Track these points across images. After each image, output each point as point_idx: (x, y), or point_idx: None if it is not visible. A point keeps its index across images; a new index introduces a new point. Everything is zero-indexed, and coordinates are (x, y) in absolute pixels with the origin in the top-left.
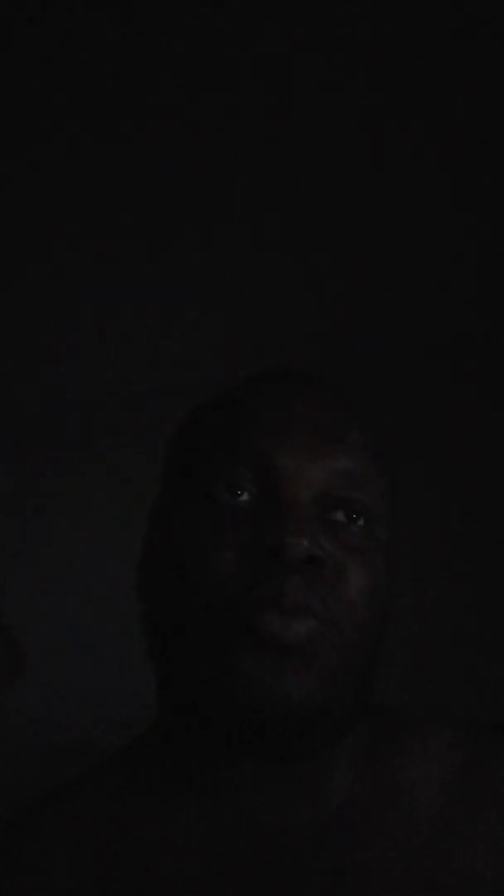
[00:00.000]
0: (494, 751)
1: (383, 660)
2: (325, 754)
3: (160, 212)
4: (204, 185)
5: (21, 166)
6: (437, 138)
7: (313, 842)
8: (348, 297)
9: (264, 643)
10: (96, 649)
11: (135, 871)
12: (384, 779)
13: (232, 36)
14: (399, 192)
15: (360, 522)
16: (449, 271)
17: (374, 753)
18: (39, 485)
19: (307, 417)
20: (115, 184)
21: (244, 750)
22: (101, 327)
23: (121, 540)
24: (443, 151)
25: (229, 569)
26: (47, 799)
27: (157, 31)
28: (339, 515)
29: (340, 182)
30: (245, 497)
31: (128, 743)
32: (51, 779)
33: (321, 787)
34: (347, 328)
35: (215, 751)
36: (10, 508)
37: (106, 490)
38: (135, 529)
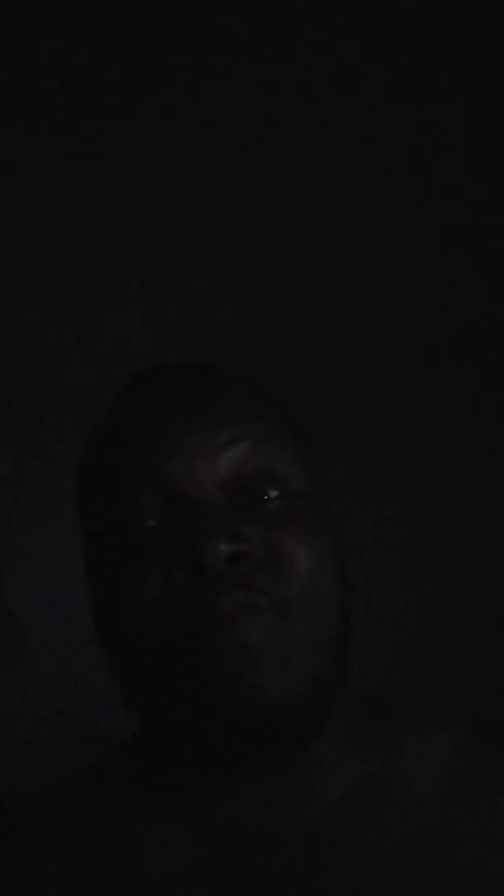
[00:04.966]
0: (495, 747)
1: (389, 659)
2: (310, 750)
3: (159, 202)
4: (203, 179)
5: (16, 158)
6: (438, 132)
7: (306, 842)
8: (346, 297)
9: (222, 664)
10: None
11: (128, 875)
12: (381, 776)
13: (233, 36)
14: (398, 191)
15: (278, 493)
16: (448, 269)
17: (370, 751)
18: (40, 471)
19: (188, 413)
20: (115, 183)
21: (228, 756)
22: (99, 314)
23: None
24: (442, 149)
25: (161, 604)
26: (43, 800)
27: (155, 27)
28: (254, 493)
29: (338, 180)
30: (154, 521)
31: (124, 740)
32: (52, 762)
33: (310, 786)
34: (345, 326)
35: (198, 761)
36: (10, 494)
37: None
38: None
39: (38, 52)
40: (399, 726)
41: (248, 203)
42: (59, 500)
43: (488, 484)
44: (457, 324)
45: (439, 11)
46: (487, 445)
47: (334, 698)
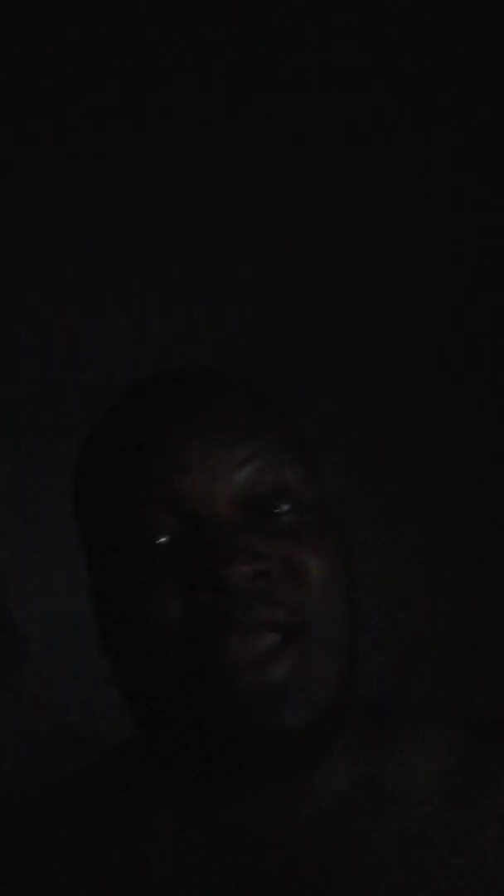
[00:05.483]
0: (494, 748)
1: (389, 659)
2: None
3: (160, 200)
4: (204, 178)
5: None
6: (438, 131)
7: (306, 842)
8: (346, 296)
9: (247, 699)
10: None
11: (127, 875)
12: (381, 778)
13: (229, 42)
14: (397, 189)
15: (289, 507)
16: (448, 269)
17: (370, 751)
18: (40, 472)
19: (200, 429)
20: (115, 183)
21: (238, 772)
22: (100, 314)
23: None
24: (443, 148)
25: (182, 623)
26: (42, 800)
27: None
28: (267, 509)
29: (338, 178)
30: (165, 538)
31: (124, 741)
32: (52, 766)
33: (310, 787)
34: (345, 325)
35: (205, 773)
36: (11, 500)
37: None
38: None
39: (37, 53)
40: (399, 728)
41: (248, 203)
42: (59, 502)
43: (489, 484)
44: (457, 323)
45: (439, 12)
46: (488, 446)
47: (347, 712)
